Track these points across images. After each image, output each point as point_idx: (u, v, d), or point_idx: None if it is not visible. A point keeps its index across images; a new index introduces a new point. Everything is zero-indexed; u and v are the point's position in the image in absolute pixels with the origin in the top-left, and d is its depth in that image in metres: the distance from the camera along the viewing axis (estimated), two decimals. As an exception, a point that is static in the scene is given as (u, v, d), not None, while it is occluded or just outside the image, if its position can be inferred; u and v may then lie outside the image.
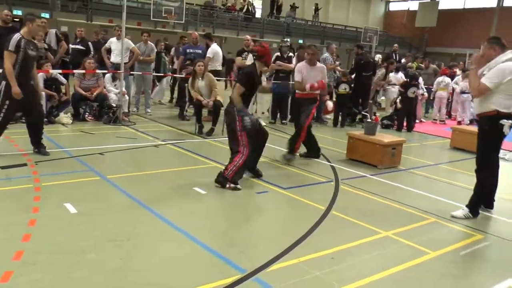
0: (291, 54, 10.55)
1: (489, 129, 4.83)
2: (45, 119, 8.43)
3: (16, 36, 5.96)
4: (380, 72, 11.99)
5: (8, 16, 8.90)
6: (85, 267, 3.33)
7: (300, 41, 25.40)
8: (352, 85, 11.25)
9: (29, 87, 6.15)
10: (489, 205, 5.26)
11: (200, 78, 8.78)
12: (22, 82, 6.03)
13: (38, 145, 6.46)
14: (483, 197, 5.10)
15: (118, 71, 9.46)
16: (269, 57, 6.05)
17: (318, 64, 7.27)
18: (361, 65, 11.18)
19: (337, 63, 11.20)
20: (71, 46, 11.34)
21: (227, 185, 5.39)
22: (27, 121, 6.54)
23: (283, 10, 30.84)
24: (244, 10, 27.97)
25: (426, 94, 12.69)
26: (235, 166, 5.41)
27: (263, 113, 10.75)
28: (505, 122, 4.72)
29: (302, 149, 7.34)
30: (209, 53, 10.24)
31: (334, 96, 11.61)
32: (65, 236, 3.82)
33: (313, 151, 7.37)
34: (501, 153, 8.55)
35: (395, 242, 4.18)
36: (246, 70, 5.96)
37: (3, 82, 6.03)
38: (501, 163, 8.20)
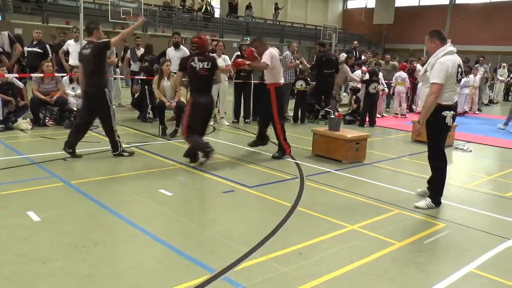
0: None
1: (434, 121, 5.00)
2: (2, 126, 8.26)
3: None
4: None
5: None
6: (53, 276, 3.26)
7: (261, 40, 25.44)
8: (311, 82, 11.41)
9: None
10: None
11: (166, 78, 8.69)
12: None
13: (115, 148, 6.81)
14: (443, 186, 5.24)
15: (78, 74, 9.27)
16: (206, 47, 6.62)
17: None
18: (322, 62, 11.31)
19: (298, 61, 11.27)
20: (27, 49, 11.04)
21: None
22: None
23: (239, 10, 30.91)
24: (203, 10, 27.84)
25: (386, 90, 12.96)
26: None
27: (225, 113, 10.74)
28: (447, 113, 4.94)
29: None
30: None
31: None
32: (29, 245, 3.73)
33: (261, 139, 7.51)
34: (460, 144, 8.93)
35: (361, 234, 4.27)
36: (212, 57, 6.69)
37: (107, 90, 6.58)
38: (459, 153, 8.51)
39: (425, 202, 5.14)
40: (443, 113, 4.94)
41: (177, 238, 4.00)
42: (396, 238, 4.20)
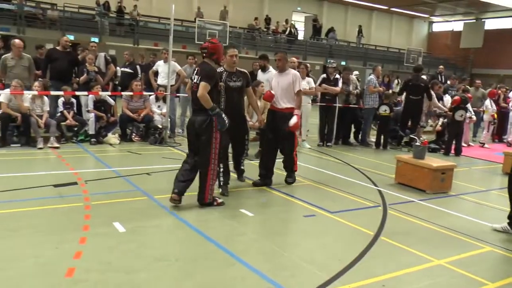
0: (337, 76, 10.41)
1: None
2: (94, 140, 8.76)
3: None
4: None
5: (67, 42, 9.50)
6: (136, 286, 3.34)
7: (343, 63, 25.33)
8: (395, 107, 11.09)
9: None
10: None
11: (259, 99, 8.77)
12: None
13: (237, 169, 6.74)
14: None
15: (164, 93, 9.65)
16: (220, 54, 5.48)
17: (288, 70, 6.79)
18: (409, 87, 10.96)
19: (382, 87, 11.02)
20: (120, 69, 11.70)
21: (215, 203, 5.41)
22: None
23: (323, 32, 31.02)
24: (287, 32, 28.23)
25: (474, 118, 12.33)
26: (210, 189, 5.35)
27: (307, 135, 10.65)
28: None
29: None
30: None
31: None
32: (115, 254, 3.87)
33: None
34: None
35: (449, 271, 4.01)
36: (206, 67, 5.32)
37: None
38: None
39: None
40: None
41: (257, 259, 3.97)
42: (489, 278, 3.89)
